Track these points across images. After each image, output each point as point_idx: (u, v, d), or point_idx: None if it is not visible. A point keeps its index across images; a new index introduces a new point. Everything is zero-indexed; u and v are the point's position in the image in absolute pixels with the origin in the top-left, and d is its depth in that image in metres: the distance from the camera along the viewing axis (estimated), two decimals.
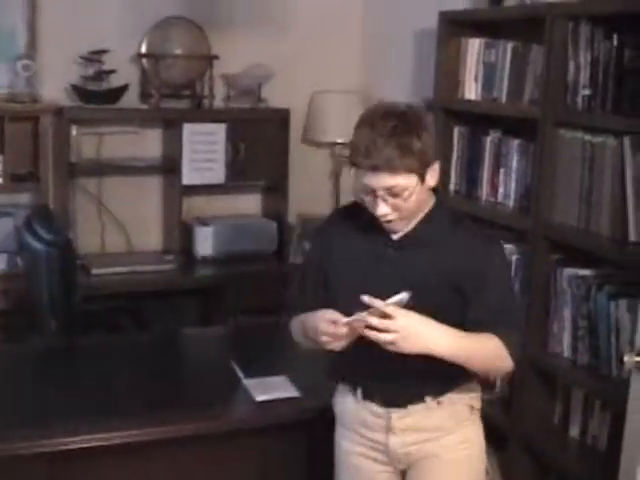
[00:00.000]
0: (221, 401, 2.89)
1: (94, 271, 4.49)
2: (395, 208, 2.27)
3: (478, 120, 3.89)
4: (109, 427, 2.66)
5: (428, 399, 2.41)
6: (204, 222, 4.85)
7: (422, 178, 2.27)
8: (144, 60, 4.70)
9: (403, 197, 2.25)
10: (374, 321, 2.15)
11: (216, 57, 4.72)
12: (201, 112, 4.80)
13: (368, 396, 2.45)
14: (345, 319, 2.21)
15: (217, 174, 4.78)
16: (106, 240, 4.84)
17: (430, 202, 2.39)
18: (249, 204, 5.16)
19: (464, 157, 4.04)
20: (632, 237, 2.99)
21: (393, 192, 2.24)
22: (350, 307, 2.21)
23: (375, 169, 2.20)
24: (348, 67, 5.16)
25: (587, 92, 3.22)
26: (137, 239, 4.90)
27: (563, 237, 3.25)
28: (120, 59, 4.65)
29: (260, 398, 2.82)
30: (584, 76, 3.22)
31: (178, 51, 4.73)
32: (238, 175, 4.84)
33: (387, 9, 4.99)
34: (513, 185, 3.62)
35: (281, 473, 2.86)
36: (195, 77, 4.77)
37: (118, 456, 2.68)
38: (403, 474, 2.50)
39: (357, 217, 2.43)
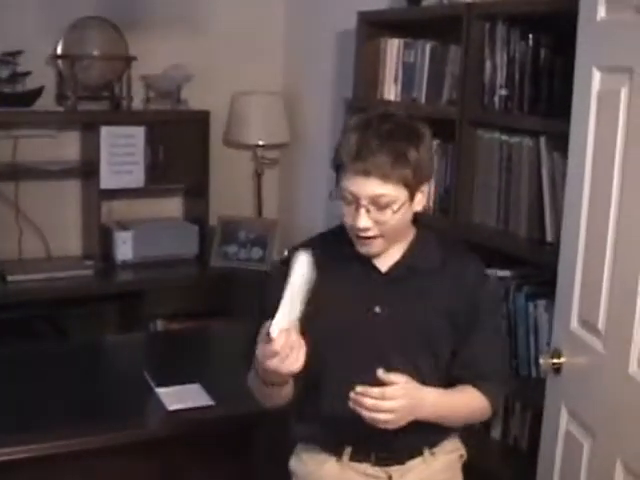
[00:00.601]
0: (134, 411, 2.82)
1: (10, 278, 4.38)
2: (378, 222, 2.03)
3: None
4: (17, 441, 2.58)
5: (425, 451, 2.23)
6: (124, 226, 4.77)
7: (412, 195, 2.05)
8: (60, 61, 4.60)
9: (389, 211, 2.02)
10: (369, 402, 1.94)
11: (134, 58, 4.64)
12: (119, 114, 4.71)
13: (360, 456, 2.20)
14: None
15: (136, 177, 4.68)
16: (23, 246, 4.71)
17: (411, 232, 2.18)
18: (170, 207, 5.09)
19: None
20: (549, 237, 3.00)
21: (380, 203, 2.00)
22: (337, 351, 2.08)
23: (364, 174, 1.97)
24: (269, 68, 5.13)
25: (504, 92, 3.23)
26: (56, 244, 4.79)
27: (482, 238, 3.24)
28: (36, 60, 4.53)
29: (173, 407, 2.76)
30: (501, 76, 3.23)
31: (95, 52, 4.64)
32: (158, 178, 4.75)
33: (308, 10, 4.98)
34: (433, 186, 3.61)
35: None
36: (113, 79, 4.68)
37: (29, 470, 2.60)
38: None
39: (335, 249, 2.16)
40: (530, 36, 3.09)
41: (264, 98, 5.00)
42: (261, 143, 5.04)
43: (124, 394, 2.94)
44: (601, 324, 2.33)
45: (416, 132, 2.05)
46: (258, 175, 5.17)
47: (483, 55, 3.27)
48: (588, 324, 2.42)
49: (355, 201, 2.01)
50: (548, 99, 3.05)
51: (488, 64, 3.26)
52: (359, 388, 1.93)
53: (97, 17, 4.62)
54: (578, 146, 2.48)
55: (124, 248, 4.72)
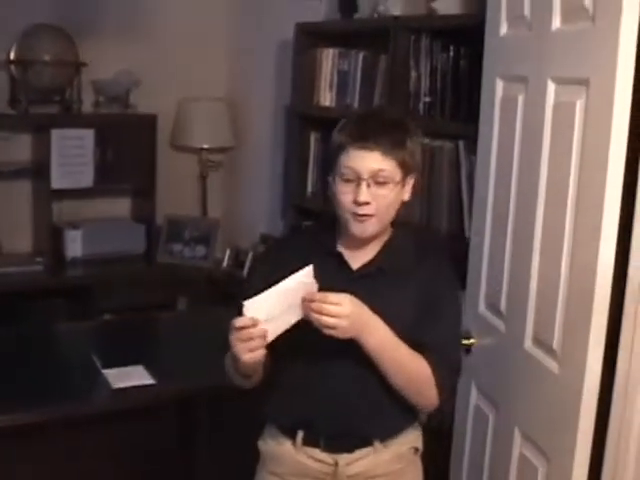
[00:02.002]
0: (81, 390, 3.01)
1: None
2: (376, 199, 2.08)
3: (333, 125, 4.09)
4: None
5: (376, 442, 2.23)
6: (74, 225, 4.94)
7: (404, 180, 2.12)
8: (13, 67, 4.73)
9: (387, 188, 2.08)
10: (315, 305, 1.97)
11: (84, 64, 4.80)
12: (70, 117, 4.86)
13: (311, 441, 2.23)
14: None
15: (86, 178, 4.84)
16: None
17: (388, 231, 2.23)
18: (118, 207, 5.24)
19: (320, 160, 4.25)
20: (467, 233, 3.23)
21: (379, 179, 2.06)
22: (304, 347, 2.10)
23: (368, 149, 2.04)
24: (214, 75, 5.30)
25: (428, 99, 3.47)
26: (7, 242, 4.92)
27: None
28: None
29: (117, 386, 2.95)
30: (425, 85, 3.47)
31: (47, 58, 4.76)
32: (107, 179, 4.91)
33: (249, 20, 5.16)
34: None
35: (140, 455, 3.01)
36: (64, 83, 4.82)
37: None
38: None
39: (314, 241, 2.25)
40: (451, 48, 3.34)
41: (209, 104, 5.19)
42: (206, 147, 5.24)
43: (73, 375, 3.13)
44: (503, 306, 2.60)
45: (410, 127, 2.15)
46: (203, 177, 5.36)
47: (409, 65, 3.50)
48: (493, 307, 2.68)
49: (356, 177, 2.06)
50: (467, 106, 3.27)
51: (413, 73, 3.50)
52: (306, 295, 1.99)
53: (49, 24, 4.76)
54: (484, 147, 2.74)
55: (74, 246, 4.90)
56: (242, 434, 2.93)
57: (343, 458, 2.21)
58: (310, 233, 2.35)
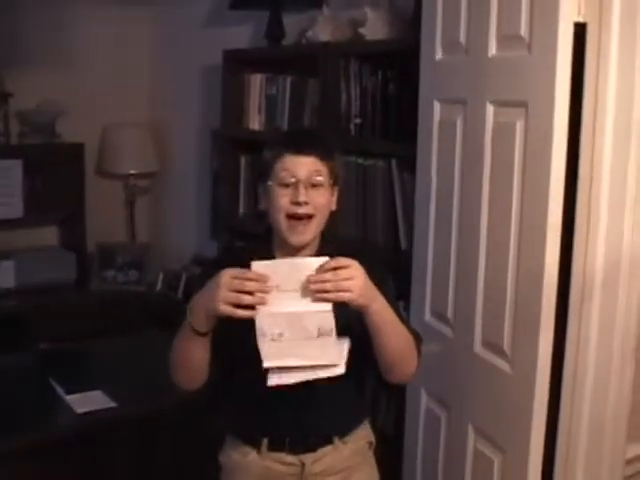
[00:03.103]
0: (46, 416, 3.09)
1: None
2: (312, 201, 2.16)
3: (262, 148, 4.22)
4: None
5: (336, 439, 2.36)
6: (5, 255, 4.95)
7: (332, 189, 2.24)
8: None
9: (322, 190, 2.18)
10: (329, 274, 1.98)
11: (10, 94, 4.83)
12: None
13: (276, 446, 2.33)
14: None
15: (15, 208, 4.87)
16: None
17: (317, 241, 2.29)
18: (47, 236, 5.27)
19: (250, 182, 4.37)
20: (403, 245, 3.41)
21: (314, 182, 2.16)
22: (255, 353, 2.05)
23: (304, 153, 2.15)
24: (138, 101, 5.38)
25: (358, 121, 3.61)
26: None
27: None
28: None
29: (81, 410, 3.04)
30: (355, 106, 3.61)
31: None
32: (36, 209, 4.93)
33: (174, 46, 5.26)
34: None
35: (106, 475, 3.10)
36: None
37: None
38: None
39: (262, 255, 2.16)
40: (379, 72, 3.50)
41: (133, 130, 5.28)
42: (132, 172, 5.31)
43: (36, 403, 3.19)
44: (450, 313, 2.78)
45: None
46: (130, 202, 5.44)
47: (339, 88, 3.65)
48: (439, 315, 2.86)
49: (294, 181, 2.14)
50: (397, 126, 3.44)
51: (344, 96, 3.64)
52: (314, 276, 1.98)
53: None
54: (424, 167, 2.92)
55: (5, 276, 4.92)
56: (199, 451, 3.08)
57: (308, 458, 2.32)
58: (249, 248, 2.40)
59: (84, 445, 3.03)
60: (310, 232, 2.21)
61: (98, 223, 5.16)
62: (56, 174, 4.99)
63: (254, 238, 2.50)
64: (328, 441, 2.35)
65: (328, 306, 1.99)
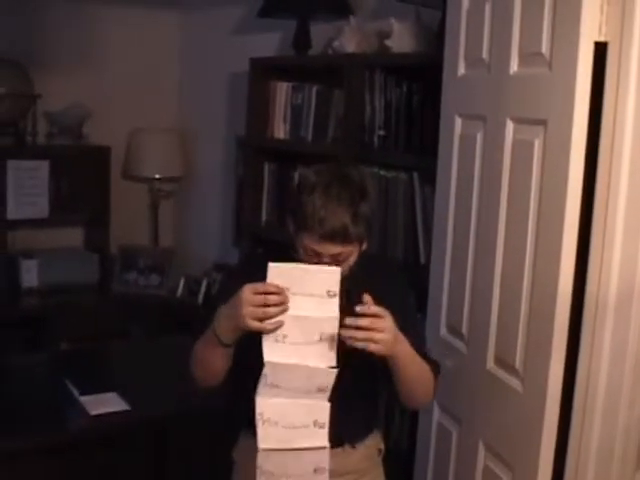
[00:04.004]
0: (59, 417, 3.11)
1: None
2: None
3: (287, 157, 4.26)
4: None
5: (346, 445, 2.42)
6: (29, 255, 5.01)
7: (361, 247, 2.25)
8: None
9: (346, 263, 2.21)
10: (365, 322, 2.05)
11: (39, 96, 4.88)
12: (25, 149, 4.92)
13: None
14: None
15: (41, 209, 4.94)
16: None
17: None
18: (72, 237, 5.32)
19: (274, 190, 4.40)
20: (422, 260, 3.42)
21: (339, 259, 2.18)
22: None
23: (328, 239, 2.14)
24: (165, 106, 5.45)
25: (382, 132, 3.64)
26: None
27: None
28: None
29: (95, 412, 3.06)
30: (379, 118, 3.63)
31: (2, 90, 4.81)
32: (61, 209, 5.01)
33: (201, 53, 5.31)
34: None
35: (119, 477, 3.13)
36: (19, 115, 4.89)
37: None
38: None
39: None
40: (404, 84, 3.52)
41: (160, 134, 5.32)
42: (157, 176, 5.35)
43: (49, 403, 3.21)
44: (464, 329, 2.77)
45: (366, 188, 2.21)
46: (155, 206, 5.48)
47: (363, 99, 3.67)
48: (454, 330, 2.85)
49: (317, 256, 2.17)
50: (420, 139, 3.47)
51: (368, 108, 3.67)
52: (349, 319, 2.04)
53: (3, 56, 4.82)
54: (444, 181, 2.91)
55: (29, 276, 4.98)
56: (210, 454, 3.09)
57: None
58: (272, 256, 2.34)
59: (96, 447, 3.05)
60: None
61: (122, 226, 5.21)
62: (82, 176, 5.07)
63: (278, 245, 2.50)
64: (338, 445, 2.37)
65: (335, 312, 2.06)
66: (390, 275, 2.45)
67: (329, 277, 2.09)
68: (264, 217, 4.48)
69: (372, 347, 2.06)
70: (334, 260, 2.18)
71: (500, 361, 2.56)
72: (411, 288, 2.49)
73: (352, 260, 2.24)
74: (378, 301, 2.15)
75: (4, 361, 3.77)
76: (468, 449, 2.75)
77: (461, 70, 2.80)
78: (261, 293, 2.07)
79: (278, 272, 2.07)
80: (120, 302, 5.17)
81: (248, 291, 2.07)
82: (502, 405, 2.54)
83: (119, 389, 3.26)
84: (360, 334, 2.04)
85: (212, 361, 2.28)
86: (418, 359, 2.28)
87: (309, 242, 2.17)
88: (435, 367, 2.38)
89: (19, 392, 3.32)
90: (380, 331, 2.06)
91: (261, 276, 2.12)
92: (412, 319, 2.41)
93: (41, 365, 3.70)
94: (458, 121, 2.81)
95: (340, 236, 2.14)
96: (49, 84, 4.95)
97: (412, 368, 2.26)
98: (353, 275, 2.31)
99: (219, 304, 2.23)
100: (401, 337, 2.17)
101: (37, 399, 3.26)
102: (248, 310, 2.06)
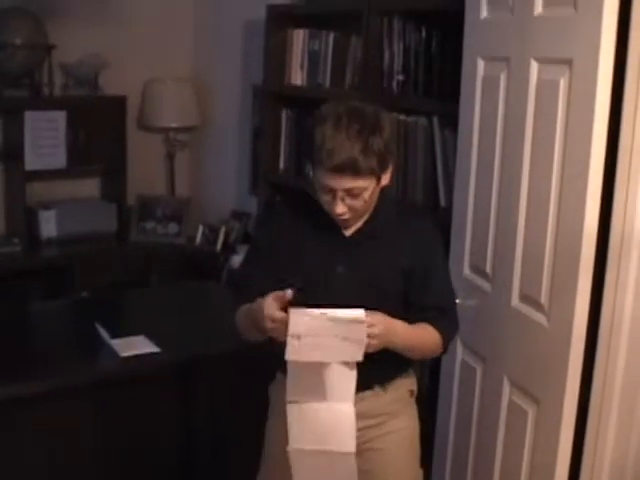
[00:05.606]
0: (91, 359, 3.19)
1: None
2: (351, 208, 2.28)
3: (304, 104, 4.28)
4: None
5: (376, 387, 2.47)
6: (47, 206, 5.06)
7: (379, 180, 2.28)
8: None
9: (361, 198, 2.26)
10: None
11: (54, 47, 4.88)
12: (41, 100, 4.95)
13: None
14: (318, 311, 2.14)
15: (59, 159, 4.97)
16: None
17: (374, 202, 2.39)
18: (89, 188, 5.37)
19: (292, 137, 4.43)
20: (442, 203, 3.46)
21: (353, 193, 2.23)
22: (303, 305, 2.18)
23: (338, 171, 2.18)
24: (180, 56, 5.45)
25: (401, 78, 3.66)
26: None
27: None
28: None
29: (124, 354, 3.13)
30: (398, 64, 3.65)
31: (17, 41, 4.81)
32: (79, 160, 5.05)
33: (217, 0, 5.32)
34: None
35: (147, 419, 3.20)
36: (34, 66, 4.90)
37: None
38: None
39: (306, 210, 2.42)
40: (423, 28, 3.53)
41: (175, 84, 5.34)
42: (173, 126, 5.38)
43: (81, 346, 3.30)
44: (489, 268, 2.83)
45: (380, 123, 2.23)
46: (171, 156, 5.51)
47: (382, 45, 3.69)
48: (478, 269, 2.91)
49: (331, 192, 2.25)
50: (439, 83, 3.48)
51: (386, 53, 3.68)
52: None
53: (18, 7, 4.82)
54: (466, 124, 2.95)
55: (48, 226, 5.03)
56: (240, 395, 3.16)
57: None
58: (294, 206, 2.50)
59: (127, 388, 3.12)
60: (354, 222, 2.39)
61: (139, 176, 5.26)
62: (98, 127, 5.10)
63: (295, 192, 2.58)
64: (368, 388, 2.43)
65: (362, 314, 2.14)
66: (422, 229, 2.47)
67: (356, 317, 2.14)
68: (282, 164, 4.51)
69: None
70: (348, 195, 2.24)
71: (525, 297, 2.61)
72: (442, 243, 2.53)
73: (367, 195, 2.26)
74: (393, 243, 2.37)
75: (33, 307, 3.85)
76: (493, 385, 2.81)
77: (483, 13, 2.82)
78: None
79: (299, 318, 2.12)
80: (139, 251, 5.23)
81: (266, 316, 2.20)
82: (527, 340, 2.60)
83: (147, 332, 3.31)
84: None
85: (251, 333, 2.42)
86: (418, 339, 2.39)
87: (322, 177, 2.23)
88: (448, 330, 2.45)
89: (49, 336, 3.40)
90: (370, 337, 2.15)
91: (289, 228, 2.40)
92: (439, 276, 2.47)
93: (69, 311, 3.77)
94: (481, 63, 2.84)
95: (349, 169, 2.18)
96: (64, 35, 4.95)
97: (413, 350, 2.41)
98: (382, 220, 2.40)
99: (254, 258, 2.50)
100: (395, 327, 2.27)
101: (67, 343, 3.34)
102: (269, 326, 2.21)
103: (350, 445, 2.25)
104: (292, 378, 2.25)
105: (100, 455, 3.13)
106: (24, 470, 2.98)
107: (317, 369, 2.20)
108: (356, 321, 2.12)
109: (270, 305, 2.19)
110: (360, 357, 2.14)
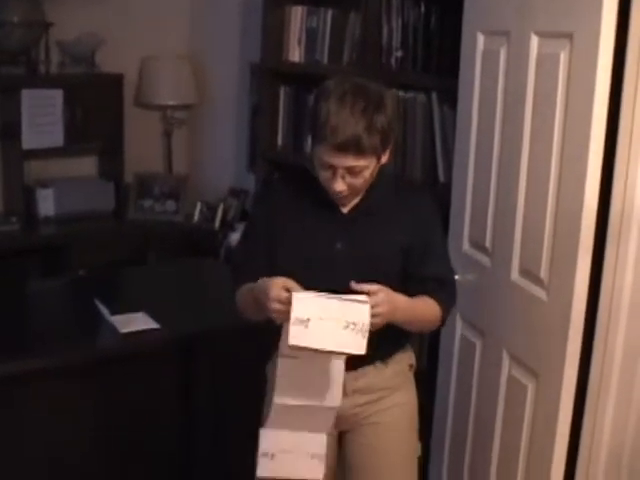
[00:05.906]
0: (92, 335, 3.20)
1: None
2: (350, 186, 2.27)
3: (302, 81, 4.28)
4: None
5: (377, 362, 2.47)
6: (44, 184, 5.03)
7: (379, 159, 2.28)
8: None
9: (361, 176, 2.25)
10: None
11: (51, 24, 4.85)
12: (38, 78, 4.92)
13: None
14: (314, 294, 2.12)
15: (56, 138, 4.94)
16: None
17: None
18: (87, 166, 5.34)
19: (290, 114, 4.42)
20: (441, 178, 3.46)
21: (354, 171, 2.22)
22: (302, 282, 2.19)
23: (341, 149, 2.17)
24: (177, 33, 5.40)
25: (399, 54, 3.65)
26: None
27: None
28: None
29: (124, 330, 3.13)
30: (396, 40, 3.65)
31: (14, 19, 4.77)
32: (76, 138, 5.02)
33: None
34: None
35: (148, 395, 3.20)
36: (31, 44, 4.87)
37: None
38: (339, 438, 2.57)
39: (304, 187, 2.41)
40: (422, 3, 3.52)
41: (172, 61, 5.30)
42: (170, 103, 5.36)
43: (81, 323, 3.31)
44: (488, 243, 2.83)
45: (384, 101, 2.22)
46: (168, 134, 5.49)
47: (380, 21, 3.68)
48: (477, 244, 2.91)
49: (331, 168, 2.23)
50: (438, 59, 3.48)
51: (385, 29, 3.68)
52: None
53: None
54: (466, 100, 2.95)
55: (45, 204, 5.00)
56: (239, 371, 3.17)
57: (349, 375, 2.36)
58: (309, 178, 2.42)
59: (127, 364, 3.12)
60: (352, 199, 2.38)
61: (136, 154, 5.22)
62: (95, 104, 5.05)
63: (293, 169, 2.57)
64: (369, 363, 2.44)
65: (366, 301, 2.12)
66: (421, 205, 2.46)
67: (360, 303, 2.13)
68: (280, 141, 4.51)
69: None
70: (349, 173, 2.23)
71: (525, 272, 2.62)
72: (440, 221, 2.53)
73: (367, 174, 2.27)
74: (391, 219, 2.38)
75: (31, 285, 3.84)
76: (492, 359, 2.83)
77: None
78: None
79: (302, 302, 2.09)
80: (136, 229, 5.22)
81: (271, 298, 2.17)
82: (527, 315, 2.61)
83: (147, 309, 3.32)
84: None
85: (254, 314, 2.41)
86: (419, 311, 2.38)
87: (323, 154, 2.21)
88: (447, 303, 2.44)
89: (49, 314, 3.40)
90: (376, 306, 2.14)
91: (287, 205, 2.39)
92: (438, 251, 2.47)
93: (67, 289, 3.77)
94: (480, 38, 2.84)
95: (353, 146, 2.17)
96: (61, 12, 4.90)
97: (413, 323, 2.40)
98: (379, 196, 2.40)
99: (252, 235, 2.49)
100: (397, 302, 2.24)
101: (67, 320, 3.35)
102: (272, 307, 2.17)
103: (337, 400, 2.27)
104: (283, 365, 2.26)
105: (100, 432, 3.13)
106: (23, 448, 2.98)
107: (312, 360, 2.20)
108: (360, 303, 2.11)
109: (276, 287, 2.17)
110: (363, 350, 2.11)
